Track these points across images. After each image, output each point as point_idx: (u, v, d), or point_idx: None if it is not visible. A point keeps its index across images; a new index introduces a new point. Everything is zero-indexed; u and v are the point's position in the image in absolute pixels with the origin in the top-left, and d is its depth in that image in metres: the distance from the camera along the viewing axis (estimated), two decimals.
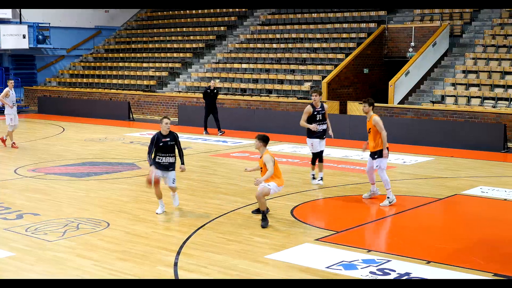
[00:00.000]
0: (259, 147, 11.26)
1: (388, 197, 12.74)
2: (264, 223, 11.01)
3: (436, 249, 9.96)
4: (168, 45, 35.99)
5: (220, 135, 23.94)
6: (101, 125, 27.88)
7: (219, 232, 10.76)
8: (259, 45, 32.48)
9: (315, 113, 14.68)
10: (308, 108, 14.75)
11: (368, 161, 13.15)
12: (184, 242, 10.11)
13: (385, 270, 8.80)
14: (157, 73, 33.36)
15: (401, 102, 25.77)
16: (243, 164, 17.29)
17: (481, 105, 23.50)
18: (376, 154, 12.88)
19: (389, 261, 9.20)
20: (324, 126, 14.81)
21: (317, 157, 14.81)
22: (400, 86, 25.96)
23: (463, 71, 25.78)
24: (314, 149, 14.71)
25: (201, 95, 29.65)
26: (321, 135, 14.73)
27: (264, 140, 11.22)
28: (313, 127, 14.55)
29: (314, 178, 14.93)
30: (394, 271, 8.76)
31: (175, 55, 34.83)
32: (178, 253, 9.57)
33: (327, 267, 8.92)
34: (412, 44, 28.77)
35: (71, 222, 11.32)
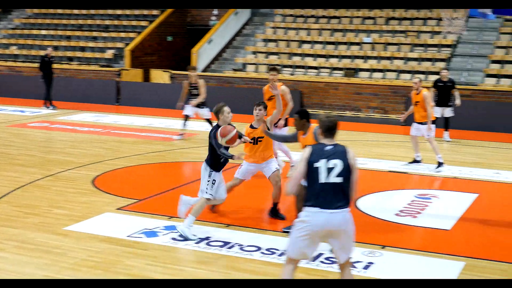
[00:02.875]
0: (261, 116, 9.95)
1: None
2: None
3: (235, 212, 10.25)
4: None
5: (50, 108, 22.08)
6: None
7: (16, 205, 10.33)
8: (59, 11, 31.28)
9: (191, 88, 16.47)
10: (186, 83, 16.55)
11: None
12: None
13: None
14: None
15: (204, 70, 26.08)
16: (42, 134, 16.72)
17: (279, 73, 24.34)
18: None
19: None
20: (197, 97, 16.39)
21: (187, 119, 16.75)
22: (203, 54, 26.24)
23: (264, 40, 26.56)
24: (185, 110, 16.59)
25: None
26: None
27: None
28: (179, 105, 16.67)
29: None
30: (195, 235, 8.91)
31: None
32: None
33: (129, 236, 8.89)
34: (215, 12, 29.12)
35: None
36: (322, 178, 6.00)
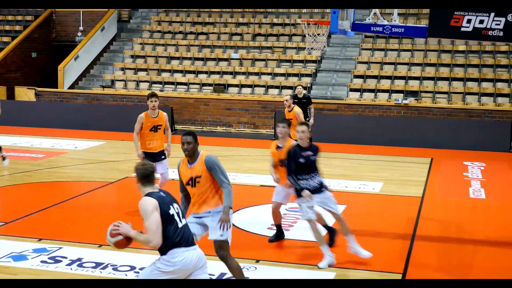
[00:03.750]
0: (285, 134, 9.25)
1: None
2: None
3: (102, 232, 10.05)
4: None
5: None
6: None
7: None
8: None
9: None
10: None
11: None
12: None
13: (56, 258, 8.67)
14: None
15: (71, 87, 25.54)
16: None
17: (149, 89, 24.23)
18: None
19: (60, 248, 9.09)
20: None
21: None
22: (69, 70, 25.69)
23: (132, 56, 26.34)
24: None
25: None
26: None
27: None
28: None
29: None
30: (66, 257, 8.68)
31: None
32: None
33: None
34: (81, 28, 28.62)
35: None
36: (179, 222, 6.04)
